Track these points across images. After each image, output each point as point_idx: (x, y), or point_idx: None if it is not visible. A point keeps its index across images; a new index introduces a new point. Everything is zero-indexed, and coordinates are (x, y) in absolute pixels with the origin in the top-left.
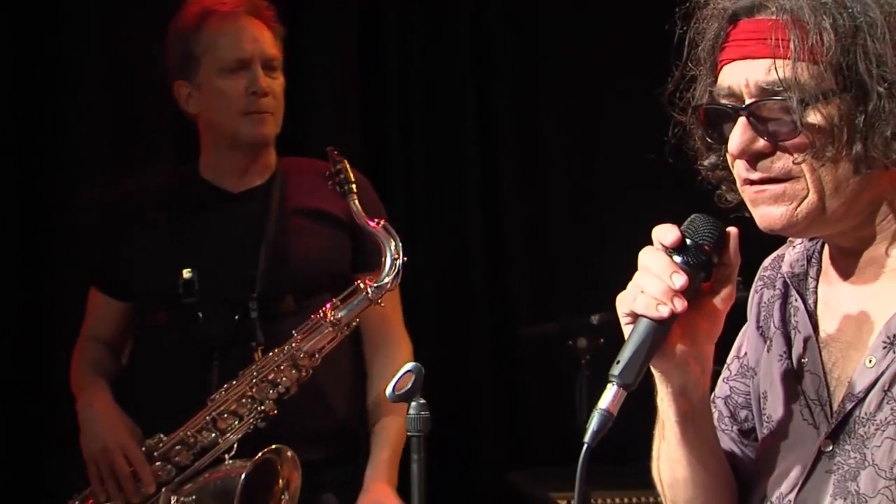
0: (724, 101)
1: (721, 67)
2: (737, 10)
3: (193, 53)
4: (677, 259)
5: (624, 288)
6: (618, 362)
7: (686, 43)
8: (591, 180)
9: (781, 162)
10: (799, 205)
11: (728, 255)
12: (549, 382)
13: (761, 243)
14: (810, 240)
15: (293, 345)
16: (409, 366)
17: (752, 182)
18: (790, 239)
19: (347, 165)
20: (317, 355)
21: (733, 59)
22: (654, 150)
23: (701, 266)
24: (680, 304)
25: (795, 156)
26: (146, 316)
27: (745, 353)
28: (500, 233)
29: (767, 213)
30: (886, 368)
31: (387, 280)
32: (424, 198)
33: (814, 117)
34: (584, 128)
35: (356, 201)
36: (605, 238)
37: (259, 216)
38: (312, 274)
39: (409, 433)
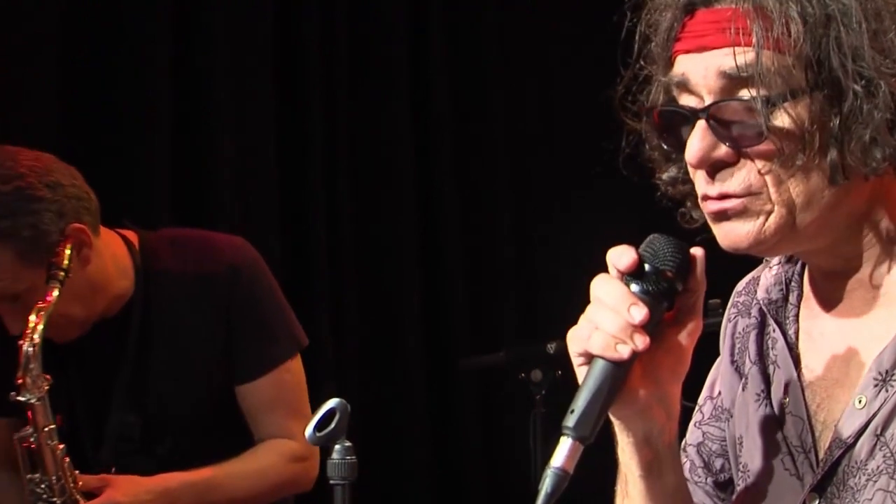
0: (682, 102)
1: (675, 59)
2: None
3: None
4: (635, 288)
5: (580, 313)
6: (571, 412)
7: (637, 38)
8: (543, 192)
9: (743, 174)
10: (766, 220)
11: (694, 282)
12: (496, 423)
13: (736, 265)
14: (788, 260)
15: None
16: (333, 402)
17: (710, 197)
18: (766, 259)
19: (66, 252)
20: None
21: (689, 51)
22: (607, 161)
23: (663, 295)
24: (641, 342)
25: (761, 165)
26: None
27: (719, 393)
28: (437, 249)
29: (731, 230)
30: (879, 409)
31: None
32: (352, 209)
33: (781, 119)
34: (534, 135)
35: (55, 292)
36: (561, 255)
37: (112, 360)
38: (186, 419)
39: (331, 480)
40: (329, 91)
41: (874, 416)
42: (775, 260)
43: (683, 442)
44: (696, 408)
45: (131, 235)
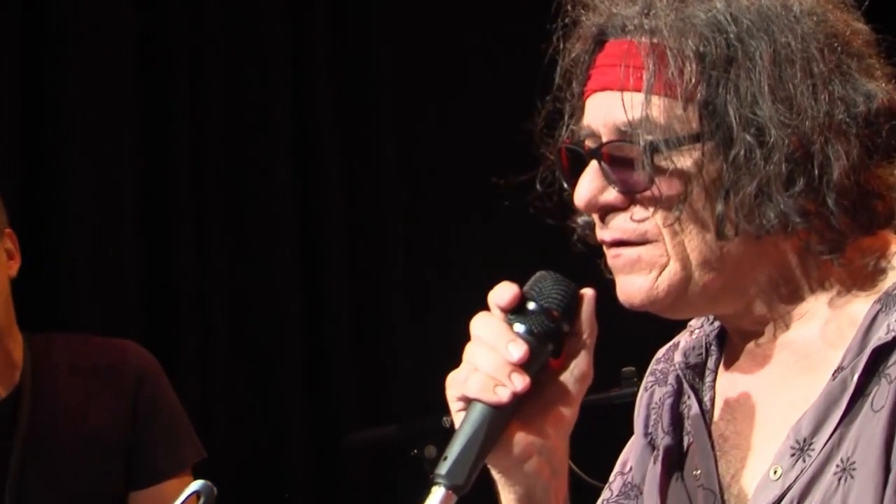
0: (586, 143)
1: (586, 99)
2: (605, 27)
3: None
4: (519, 328)
5: None
6: (444, 459)
7: (558, 69)
8: (441, 248)
9: (636, 220)
10: (659, 275)
11: (581, 324)
12: None
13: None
14: (711, 322)
15: None
16: (197, 485)
17: (606, 243)
18: (689, 323)
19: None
20: None
21: (595, 90)
22: (516, 217)
23: (548, 336)
24: (521, 383)
25: (650, 212)
26: None
27: (630, 468)
28: (323, 313)
29: (625, 283)
30: (795, 481)
31: None
32: (228, 269)
33: (668, 166)
34: (429, 180)
35: None
36: (458, 319)
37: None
38: None
39: None
40: (198, 133)
41: (790, 487)
42: (697, 323)
43: None
44: (606, 485)
45: None
